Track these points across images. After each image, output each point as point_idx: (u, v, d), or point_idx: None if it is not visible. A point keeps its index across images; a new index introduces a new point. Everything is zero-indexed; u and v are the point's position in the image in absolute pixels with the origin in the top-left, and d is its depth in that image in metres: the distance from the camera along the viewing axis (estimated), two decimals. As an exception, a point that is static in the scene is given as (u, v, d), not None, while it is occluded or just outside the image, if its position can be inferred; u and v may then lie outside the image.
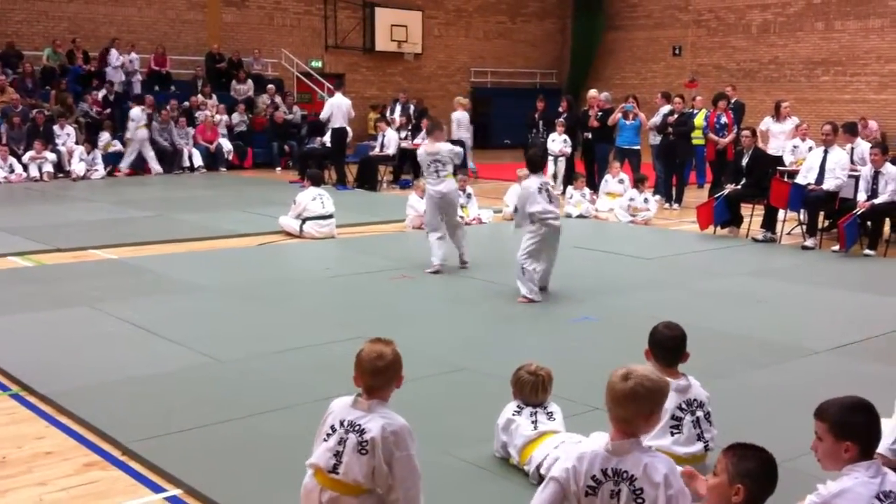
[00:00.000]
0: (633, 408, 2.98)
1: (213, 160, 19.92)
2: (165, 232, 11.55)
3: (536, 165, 8.34)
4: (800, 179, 11.35)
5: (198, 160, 19.52)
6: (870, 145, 11.48)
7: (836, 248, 10.65)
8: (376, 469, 3.38)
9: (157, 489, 4.31)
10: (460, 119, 18.40)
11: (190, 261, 9.86)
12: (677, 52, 27.30)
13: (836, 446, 3.19)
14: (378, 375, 3.45)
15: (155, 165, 18.80)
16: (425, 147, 9.48)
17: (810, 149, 12.69)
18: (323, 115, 17.42)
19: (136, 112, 18.56)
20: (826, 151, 11.24)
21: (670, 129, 14.89)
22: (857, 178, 10.99)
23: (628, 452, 2.98)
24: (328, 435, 3.49)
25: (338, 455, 3.42)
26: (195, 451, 4.69)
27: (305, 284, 8.90)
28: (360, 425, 3.41)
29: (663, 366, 4.31)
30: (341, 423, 3.46)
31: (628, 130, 15.35)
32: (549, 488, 3.08)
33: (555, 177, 16.55)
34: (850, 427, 3.18)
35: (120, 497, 4.22)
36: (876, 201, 10.51)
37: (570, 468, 3.03)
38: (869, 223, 10.76)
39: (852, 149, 11.81)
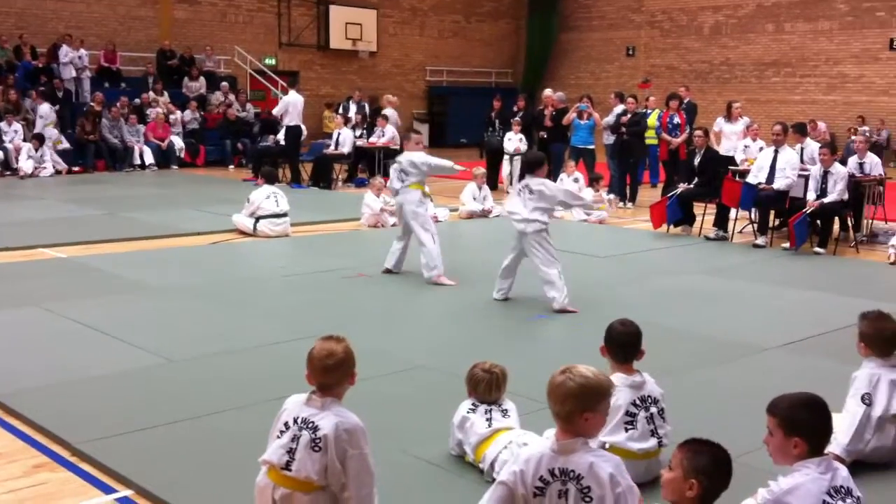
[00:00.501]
0: (569, 404, 3.00)
1: (165, 158, 19.68)
2: (117, 230, 11.37)
3: (530, 166, 8.03)
4: (751, 179, 11.50)
5: (149, 158, 19.27)
6: (819, 145, 11.66)
7: (787, 246, 10.81)
8: (329, 466, 3.36)
9: (107, 490, 4.24)
10: (388, 116, 18.33)
11: (142, 260, 9.72)
12: (631, 52, 27.55)
13: (786, 442, 3.24)
14: (329, 373, 3.44)
15: (55, 165, 17.99)
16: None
17: (761, 149, 12.86)
18: (276, 111, 17.30)
19: (45, 109, 18.11)
20: (776, 151, 11.40)
21: (624, 129, 15.00)
22: (806, 178, 11.16)
23: (574, 452, 2.99)
24: (281, 432, 3.47)
25: (291, 452, 3.40)
26: (147, 451, 4.62)
27: (259, 283, 8.81)
28: (313, 422, 3.39)
29: (618, 362, 4.34)
30: (295, 421, 3.44)
31: (583, 130, 15.44)
32: (496, 493, 3.09)
33: (510, 176, 16.62)
34: (798, 423, 3.22)
35: (69, 499, 4.15)
36: (825, 200, 10.67)
37: (518, 471, 3.04)
38: (818, 222, 10.93)
39: (802, 149, 11.99)
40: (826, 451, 3.45)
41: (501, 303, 7.95)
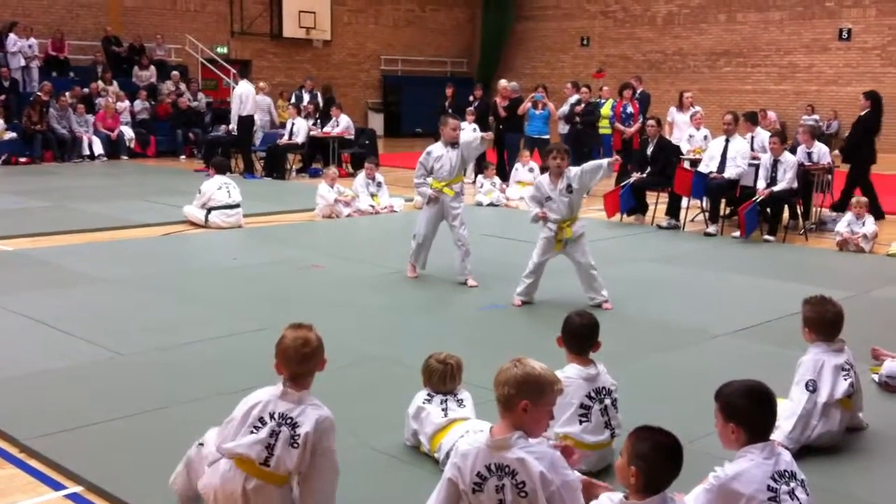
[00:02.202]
0: (508, 388, 3.04)
1: (115, 148, 19.38)
2: (65, 222, 11.18)
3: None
4: (702, 168, 11.63)
5: (98, 148, 18.97)
6: (769, 134, 11.81)
7: (737, 234, 10.94)
8: (303, 459, 3.37)
9: (57, 486, 4.17)
10: (260, 102, 17.94)
11: (91, 252, 9.56)
12: (585, 42, 27.67)
13: (724, 427, 3.33)
14: (305, 362, 3.42)
15: None
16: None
17: (705, 137, 13.01)
18: (234, 107, 17.00)
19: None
20: (727, 140, 11.54)
21: (578, 119, 15.06)
22: (756, 167, 11.30)
23: (509, 447, 3.02)
24: (257, 427, 3.41)
25: (269, 448, 3.37)
26: (97, 446, 4.55)
27: (212, 275, 8.72)
28: (291, 418, 3.36)
29: (574, 354, 4.36)
30: (272, 416, 3.39)
31: (538, 120, 15.48)
32: (443, 489, 3.10)
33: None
34: (734, 410, 3.30)
35: (18, 495, 4.07)
36: (775, 189, 10.82)
37: (457, 465, 3.06)
38: (768, 210, 11.08)
39: (752, 138, 12.14)
40: (771, 439, 3.49)
41: (456, 293, 7.95)
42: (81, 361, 5.90)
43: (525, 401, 3.02)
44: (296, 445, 3.33)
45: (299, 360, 3.39)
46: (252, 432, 3.41)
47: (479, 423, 4.34)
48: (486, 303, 7.60)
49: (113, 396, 5.25)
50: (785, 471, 3.24)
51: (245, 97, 16.65)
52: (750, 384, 3.35)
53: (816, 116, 22.50)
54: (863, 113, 12.92)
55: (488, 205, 13.60)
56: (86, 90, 20.00)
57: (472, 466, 3.04)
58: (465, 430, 4.26)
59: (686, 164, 12.25)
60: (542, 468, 2.98)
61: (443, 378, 4.51)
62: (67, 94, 19.06)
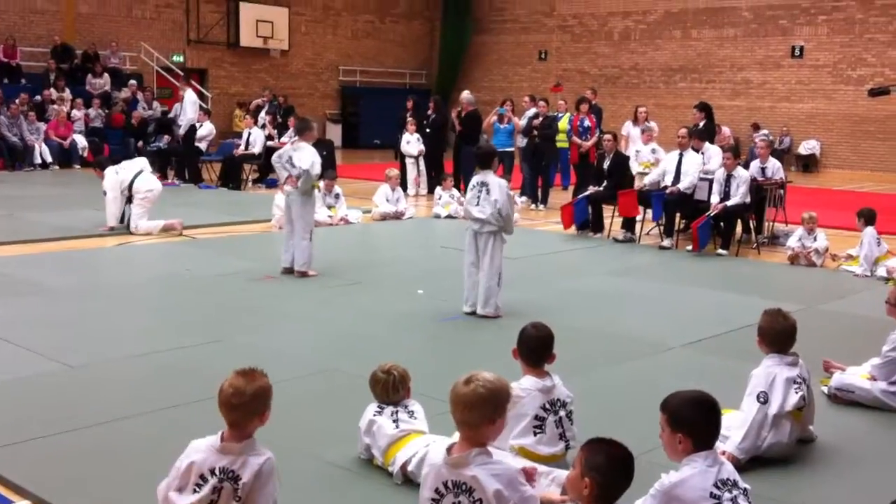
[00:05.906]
0: (479, 410, 3.03)
1: (67, 157, 19.10)
2: (14, 232, 10.97)
3: (483, 158, 7.66)
4: (651, 178, 11.79)
5: (49, 157, 18.67)
6: (720, 149, 11.95)
7: (692, 248, 11.05)
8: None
9: (3, 501, 4.09)
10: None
11: (41, 262, 9.40)
12: (543, 56, 27.88)
13: (672, 437, 3.36)
14: (236, 411, 3.28)
15: None
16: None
17: (653, 150, 13.15)
18: (190, 115, 16.87)
19: None
20: (681, 154, 11.67)
21: (535, 132, 15.15)
22: (710, 181, 11.43)
23: (467, 464, 3.02)
24: (198, 486, 3.28)
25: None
26: (46, 460, 4.46)
27: (165, 286, 8.61)
28: (233, 472, 3.26)
29: (530, 366, 4.37)
30: (212, 472, 3.27)
31: (502, 133, 15.54)
32: None
33: (417, 179, 16.38)
34: (683, 420, 3.34)
35: (-39, 511, 3.99)
36: (728, 203, 10.96)
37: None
38: (722, 224, 11.22)
39: (702, 153, 12.26)
40: (722, 451, 3.52)
41: (413, 303, 7.93)
42: (30, 373, 5.78)
43: (495, 416, 3.03)
44: (239, 498, 3.25)
45: (229, 409, 3.28)
46: (195, 491, 3.29)
47: (435, 437, 4.31)
48: (445, 314, 7.58)
49: (61, 409, 5.15)
50: (728, 479, 3.30)
51: (191, 104, 16.54)
52: (696, 394, 3.40)
53: (766, 131, 22.85)
54: (700, 125, 13.32)
55: (446, 217, 13.61)
56: (38, 97, 19.70)
57: (431, 484, 3.04)
58: (425, 445, 4.23)
59: (638, 180, 12.33)
60: (499, 486, 2.97)
61: (386, 388, 4.48)
62: (18, 101, 18.76)
